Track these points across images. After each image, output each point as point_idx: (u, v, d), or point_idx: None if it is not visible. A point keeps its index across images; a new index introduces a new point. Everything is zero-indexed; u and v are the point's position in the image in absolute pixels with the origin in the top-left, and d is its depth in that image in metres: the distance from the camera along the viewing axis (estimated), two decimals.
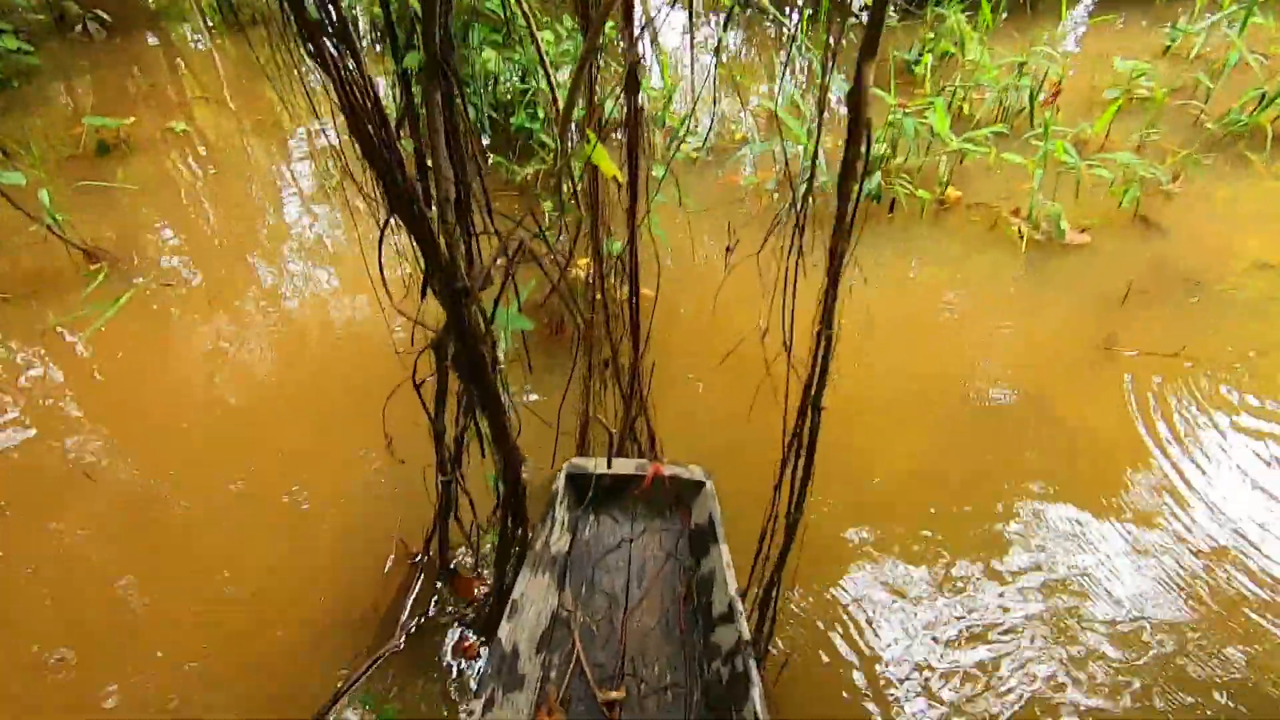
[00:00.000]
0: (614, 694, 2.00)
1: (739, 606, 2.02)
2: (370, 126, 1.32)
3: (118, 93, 5.97)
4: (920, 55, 5.55)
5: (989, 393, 3.24)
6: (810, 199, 1.50)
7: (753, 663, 1.91)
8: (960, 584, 2.51)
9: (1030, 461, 2.94)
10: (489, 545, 2.37)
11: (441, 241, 1.50)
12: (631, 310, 2.42)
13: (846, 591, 2.49)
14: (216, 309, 3.73)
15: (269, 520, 2.72)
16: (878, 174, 4.28)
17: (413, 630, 2.39)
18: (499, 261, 1.61)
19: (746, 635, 1.95)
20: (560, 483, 2.38)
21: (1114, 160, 4.16)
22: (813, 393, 1.65)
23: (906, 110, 4.36)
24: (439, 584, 2.49)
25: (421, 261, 1.54)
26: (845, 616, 2.42)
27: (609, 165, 1.61)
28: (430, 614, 2.43)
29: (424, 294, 1.81)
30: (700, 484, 2.44)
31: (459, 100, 1.46)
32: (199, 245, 4.19)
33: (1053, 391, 3.22)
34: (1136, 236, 4.17)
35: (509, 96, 4.92)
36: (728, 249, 3.60)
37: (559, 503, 2.34)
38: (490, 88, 4.86)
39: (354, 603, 2.46)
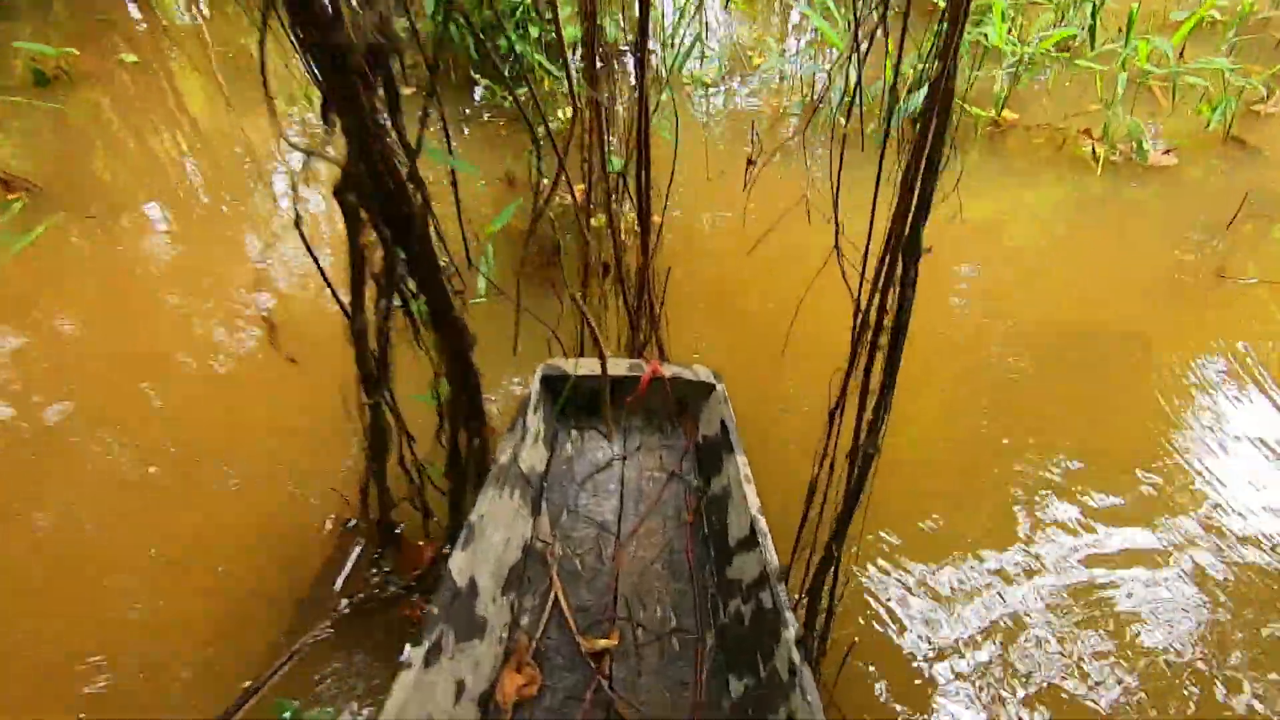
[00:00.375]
0: (603, 642, 1.58)
1: (763, 527, 1.56)
2: None
3: (75, 28, 5.43)
4: None
5: (1071, 333, 2.63)
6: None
7: (784, 595, 1.40)
8: (1040, 557, 1.93)
9: (1128, 417, 2.34)
10: (437, 482, 1.79)
11: None
12: (640, 194, 1.85)
13: (905, 558, 1.91)
14: (143, 241, 3.17)
15: (194, 479, 2.16)
16: (923, 89, 3.67)
17: (347, 609, 1.83)
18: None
19: (774, 562, 1.49)
20: (534, 386, 1.87)
21: (1205, 69, 3.54)
22: (906, 232, 1.06)
23: None
24: (379, 551, 1.93)
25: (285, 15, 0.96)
26: (908, 592, 1.84)
27: None
28: (373, 587, 1.87)
29: (326, 116, 1.24)
30: (709, 387, 1.94)
31: None
32: (133, 177, 3.63)
33: (1151, 330, 2.62)
34: (1229, 157, 3.55)
35: (496, 21, 4.36)
36: (749, 161, 3.01)
37: (531, 410, 1.82)
38: (478, 9, 4.31)
39: (288, 574, 1.90)
